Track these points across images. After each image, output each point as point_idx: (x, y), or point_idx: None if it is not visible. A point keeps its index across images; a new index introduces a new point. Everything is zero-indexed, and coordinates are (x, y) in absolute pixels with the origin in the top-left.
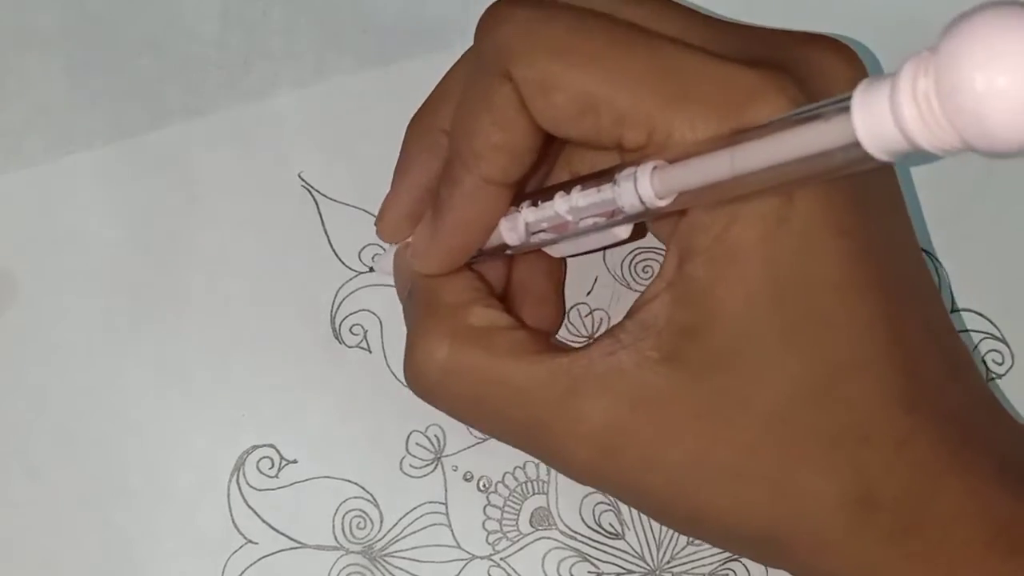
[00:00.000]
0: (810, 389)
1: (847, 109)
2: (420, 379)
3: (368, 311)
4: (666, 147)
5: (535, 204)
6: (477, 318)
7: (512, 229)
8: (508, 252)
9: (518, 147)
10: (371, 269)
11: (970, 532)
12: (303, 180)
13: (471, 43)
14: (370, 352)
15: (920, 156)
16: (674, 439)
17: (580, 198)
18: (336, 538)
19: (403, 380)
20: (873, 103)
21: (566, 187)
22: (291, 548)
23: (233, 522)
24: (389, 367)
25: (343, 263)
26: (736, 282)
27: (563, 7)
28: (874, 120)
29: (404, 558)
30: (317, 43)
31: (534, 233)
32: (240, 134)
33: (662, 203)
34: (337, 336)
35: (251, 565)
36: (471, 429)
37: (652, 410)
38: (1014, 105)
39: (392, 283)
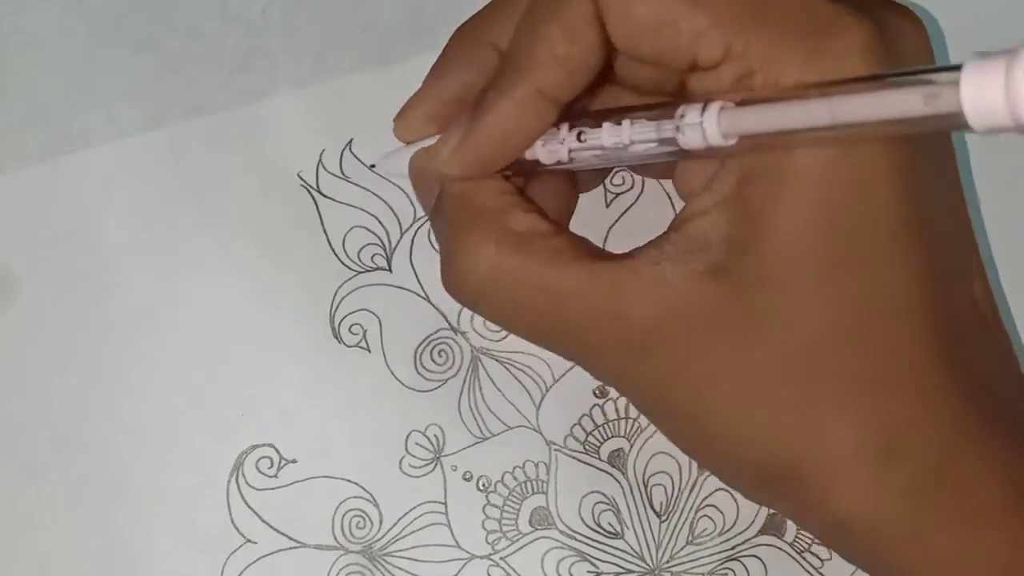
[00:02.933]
0: (849, 327)
1: (955, 81)
2: (464, 285)
3: (367, 311)
4: (743, 67)
5: (577, 129)
6: (518, 223)
7: (550, 151)
8: (539, 168)
9: (580, 63)
10: (372, 166)
11: (991, 494)
12: (302, 180)
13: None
14: (369, 351)
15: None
16: (707, 351)
17: (634, 132)
18: (335, 538)
19: (403, 379)
20: (986, 77)
21: (612, 116)
22: (290, 548)
23: (232, 522)
24: (388, 366)
25: (342, 263)
26: (793, 205)
27: None
28: (985, 94)
29: (403, 558)
30: (317, 43)
31: (572, 156)
32: (240, 134)
33: (725, 143)
34: (336, 335)
35: (250, 565)
36: (470, 428)
37: (691, 319)
38: None
39: (394, 182)
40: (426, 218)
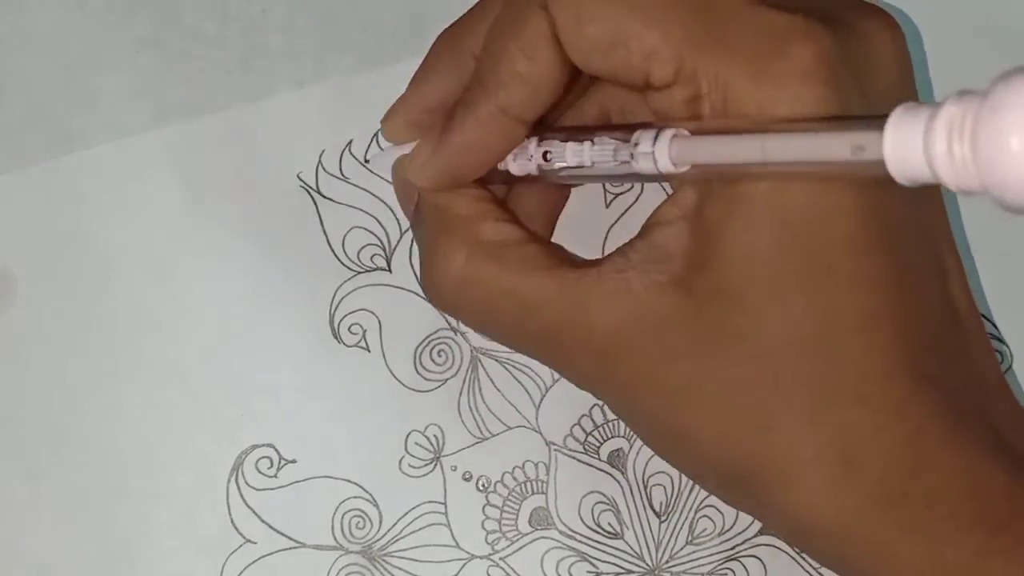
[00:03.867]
0: (809, 338)
1: (880, 127)
2: (438, 292)
3: (367, 310)
4: (692, 88)
5: (546, 142)
6: (490, 232)
7: (520, 165)
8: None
9: (541, 80)
10: (366, 161)
11: (955, 506)
12: (302, 180)
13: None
14: (369, 351)
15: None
16: (671, 361)
17: (594, 154)
18: (335, 538)
19: (402, 380)
20: (907, 130)
21: (579, 133)
22: (290, 548)
23: (232, 522)
24: (388, 366)
25: (342, 263)
26: (749, 222)
27: None
28: (904, 147)
29: (403, 558)
30: (316, 42)
31: (541, 171)
32: (240, 134)
33: (676, 170)
34: (336, 335)
35: (250, 565)
36: (469, 428)
37: (654, 330)
38: None
39: (386, 179)
40: None
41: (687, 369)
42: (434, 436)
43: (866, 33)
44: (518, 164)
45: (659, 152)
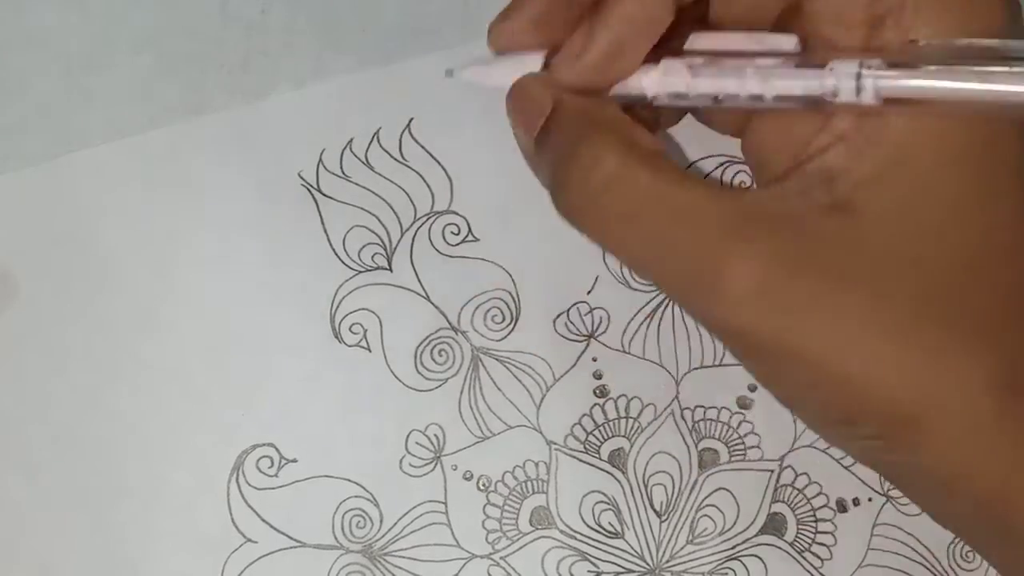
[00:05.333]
0: (979, 262)
1: None
2: (578, 190)
3: (367, 310)
4: None
5: (699, 67)
6: (645, 139)
7: (675, 84)
8: (648, 103)
9: None
10: (449, 73)
11: None
12: (303, 179)
13: (470, 43)
14: (370, 351)
15: None
16: (840, 287)
17: (772, 87)
18: (336, 537)
19: (403, 379)
20: None
21: (732, 57)
22: (291, 547)
23: (233, 521)
24: (389, 366)
25: (342, 262)
26: (931, 137)
27: None
28: None
29: (404, 557)
30: (316, 42)
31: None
32: (240, 134)
33: (873, 103)
34: (336, 335)
35: (251, 564)
36: (470, 428)
37: (821, 255)
38: None
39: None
40: (427, 217)
41: (856, 300)
42: (435, 435)
43: None
44: (669, 95)
45: (865, 89)
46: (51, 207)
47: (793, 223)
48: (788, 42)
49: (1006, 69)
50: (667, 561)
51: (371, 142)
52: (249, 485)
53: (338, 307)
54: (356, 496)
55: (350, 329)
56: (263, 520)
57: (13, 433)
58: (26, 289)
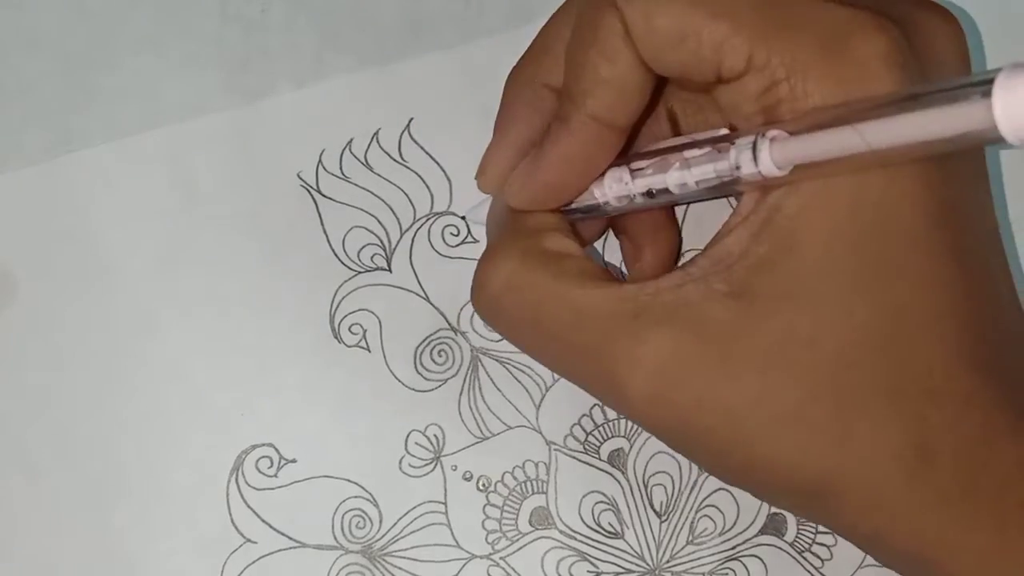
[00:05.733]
0: (878, 336)
1: (986, 92)
2: (482, 294)
3: (367, 310)
4: (767, 77)
5: (639, 170)
6: (551, 242)
7: (618, 189)
8: (604, 211)
9: (625, 82)
10: (463, 217)
11: (1022, 498)
12: (302, 180)
13: (471, 43)
14: (369, 351)
15: None
16: (736, 377)
17: (695, 174)
18: (335, 537)
19: (403, 379)
20: (1018, 88)
21: (664, 155)
22: (290, 547)
23: (232, 521)
24: (388, 366)
25: (342, 263)
26: (821, 215)
27: None
28: (1017, 106)
29: (403, 557)
30: (316, 42)
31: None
32: (239, 134)
33: (780, 173)
34: (336, 335)
35: (250, 564)
36: (470, 428)
37: (717, 345)
38: None
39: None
40: (426, 218)
41: (754, 384)
42: (434, 436)
43: (928, 29)
44: (616, 198)
45: (762, 157)
46: (51, 207)
47: (690, 314)
48: (717, 132)
49: (898, 113)
50: (667, 561)
51: (371, 143)
52: (249, 485)
53: (337, 307)
54: (356, 496)
55: (350, 329)
56: (263, 520)
57: (13, 433)
58: (26, 289)
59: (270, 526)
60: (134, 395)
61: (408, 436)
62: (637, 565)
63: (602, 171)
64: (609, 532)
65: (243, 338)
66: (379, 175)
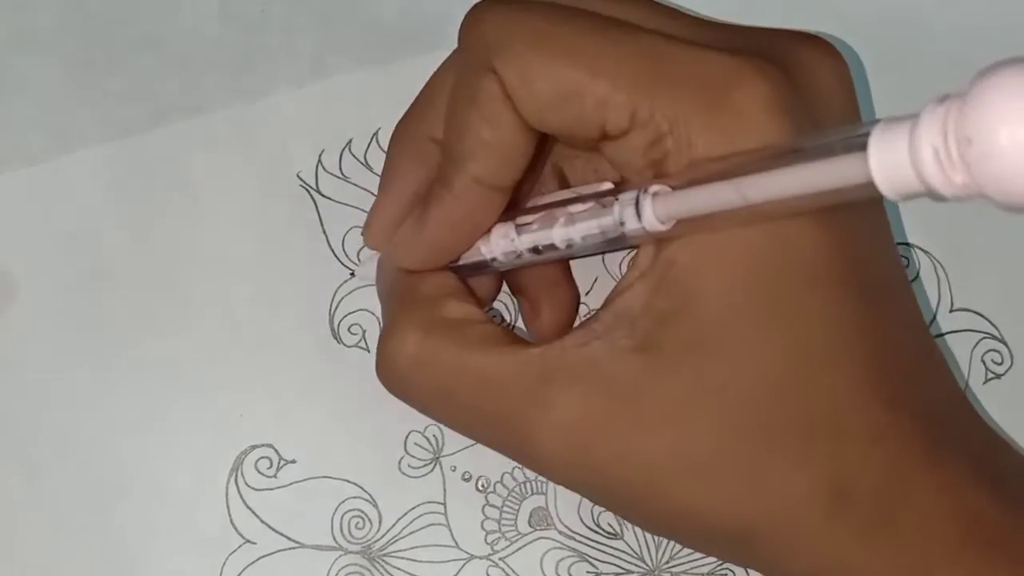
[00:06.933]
0: (784, 379)
1: (862, 147)
2: (390, 371)
3: (367, 311)
4: (651, 132)
5: (524, 225)
6: (451, 310)
7: (505, 245)
8: (494, 266)
9: (507, 145)
10: (352, 274)
11: (944, 528)
12: (302, 180)
13: None
14: (369, 352)
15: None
16: (649, 431)
17: (580, 230)
18: (335, 538)
19: None
20: (892, 144)
21: (549, 211)
22: (290, 548)
23: (231, 522)
24: None
25: (342, 263)
26: (714, 266)
27: (540, 3)
28: (891, 161)
29: (403, 558)
30: (316, 42)
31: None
32: (239, 134)
33: (664, 228)
34: (336, 336)
35: (249, 565)
36: None
37: (626, 401)
38: None
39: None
40: None
41: (668, 437)
42: (433, 436)
43: (810, 65)
44: (503, 254)
45: (645, 213)
46: (51, 207)
47: (598, 372)
48: (602, 186)
49: (782, 167)
50: (666, 562)
51: (370, 142)
52: (248, 486)
53: (337, 307)
54: (355, 497)
55: (349, 330)
56: (262, 521)
57: (13, 433)
58: (26, 289)
59: (269, 527)
60: (134, 395)
61: (407, 437)
62: (636, 566)
63: (488, 228)
64: (608, 533)
65: (243, 338)
66: (379, 175)
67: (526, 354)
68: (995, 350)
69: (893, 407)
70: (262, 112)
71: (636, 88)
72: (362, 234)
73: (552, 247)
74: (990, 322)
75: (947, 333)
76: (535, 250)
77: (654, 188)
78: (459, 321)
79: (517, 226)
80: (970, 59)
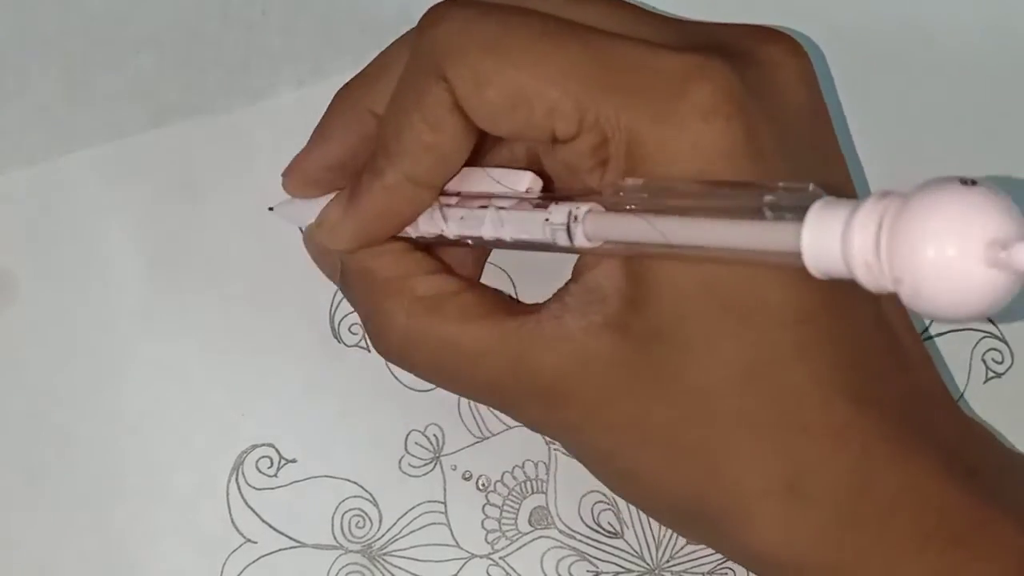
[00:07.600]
0: (743, 374)
1: (799, 219)
2: (388, 350)
3: None
4: (597, 136)
5: (449, 207)
6: (423, 287)
7: (432, 229)
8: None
9: (447, 149)
10: (270, 209)
11: (907, 525)
12: None
13: None
14: (369, 351)
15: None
16: (614, 401)
17: (509, 230)
18: (335, 537)
19: (402, 379)
20: (826, 227)
21: (478, 199)
22: (290, 547)
23: (232, 521)
24: (388, 366)
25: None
26: (673, 265)
27: (499, 6)
28: (823, 243)
29: (403, 557)
30: (316, 43)
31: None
32: (240, 134)
33: (590, 245)
34: (336, 335)
35: (250, 564)
36: (469, 428)
37: (595, 372)
38: (953, 284)
39: (291, 226)
40: None
41: (631, 408)
42: (434, 435)
43: (769, 59)
44: (429, 230)
45: (576, 232)
46: (51, 207)
47: (571, 344)
48: (523, 182)
49: (713, 217)
50: (667, 561)
51: None
52: (249, 485)
53: (337, 307)
54: (355, 496)
55: (350, 330)
56: (262, 520)
57: (13, 433)
58: (26, 289)
59: (270, 526)
60: (134, 395)
61: (408, 436)
62: (637, 565)
63: (412, 221)
64: (609, 532)
65: (243, 338)
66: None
67: (503, 327)
68: (995, 349)
69: (858, 403)
70: (262, 112)
71: (584, 95)
72: (282, 175)
73: (481, 239)
74: (991, 321)
75: (947, 332)
76: (464, 240)
77: (585, 207)
78: (434, 298)
79: (443, 207)
80: (963, 59)
